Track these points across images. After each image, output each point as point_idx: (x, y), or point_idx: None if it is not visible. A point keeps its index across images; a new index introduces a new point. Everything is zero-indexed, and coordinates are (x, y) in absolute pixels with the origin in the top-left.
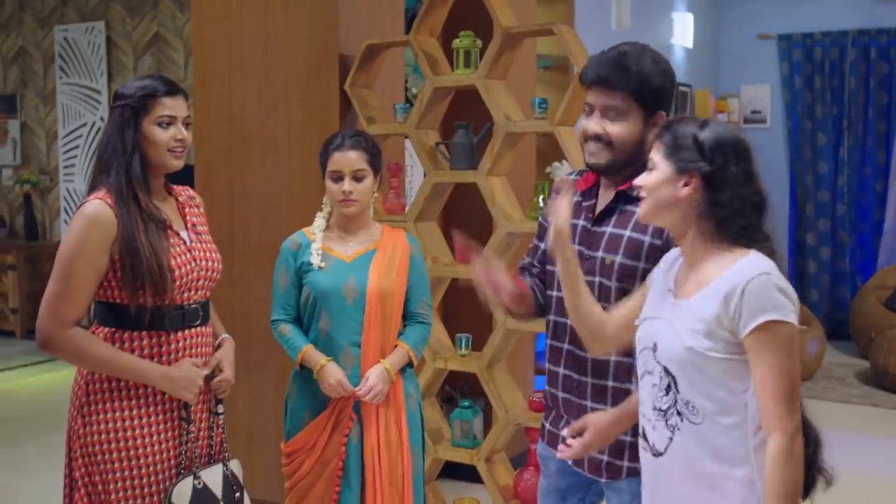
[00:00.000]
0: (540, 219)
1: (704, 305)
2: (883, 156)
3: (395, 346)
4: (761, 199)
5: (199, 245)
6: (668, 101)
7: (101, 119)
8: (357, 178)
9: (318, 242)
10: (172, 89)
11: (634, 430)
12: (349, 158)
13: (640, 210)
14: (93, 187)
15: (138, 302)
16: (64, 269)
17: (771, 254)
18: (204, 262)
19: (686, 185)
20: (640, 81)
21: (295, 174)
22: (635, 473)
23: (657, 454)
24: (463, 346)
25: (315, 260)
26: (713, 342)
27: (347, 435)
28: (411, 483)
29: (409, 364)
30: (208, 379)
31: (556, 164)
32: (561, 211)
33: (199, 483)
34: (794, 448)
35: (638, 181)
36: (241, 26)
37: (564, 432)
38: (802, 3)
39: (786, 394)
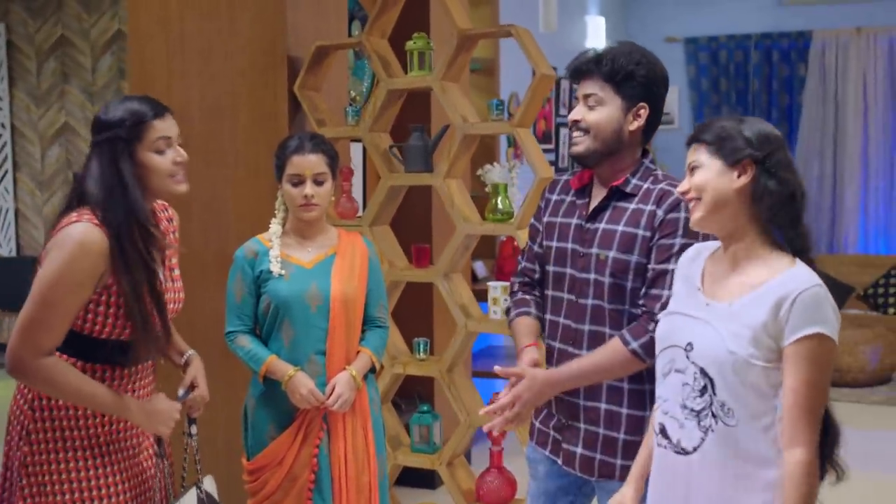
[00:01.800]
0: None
1: (753, 312)
2: None
3: (358, 352)
4: (803, 188)
5: (169, 284)
6: (651, 94)
7: (2, 126)
8: (318, 181)
9: (276, 249)
10: (160, 110)
11: (629, 427)
12: (310, 162)
13: (695, 214)
14: (71, 206)
15: (100, 336)
16: (46, 297)
17: (811, 263)
18: (171, 305)
19: (741, 175)
20: (614, 69)
21: (241, 180)
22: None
23: (683, 452)
24: (421, 350)
25: (275, 268)
26: (756, 349)
27: (318, 446)
28: (378, 489)
29: (372, 369)
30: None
31: (488, 166)
32: None
33: None
34: (814, 464)
35: (682, 187)
36: (182, 26)
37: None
38: (708, 6)
39: (815, 409)
